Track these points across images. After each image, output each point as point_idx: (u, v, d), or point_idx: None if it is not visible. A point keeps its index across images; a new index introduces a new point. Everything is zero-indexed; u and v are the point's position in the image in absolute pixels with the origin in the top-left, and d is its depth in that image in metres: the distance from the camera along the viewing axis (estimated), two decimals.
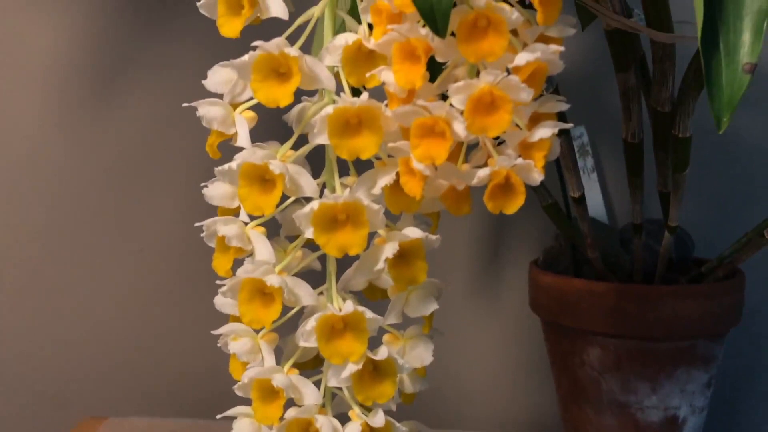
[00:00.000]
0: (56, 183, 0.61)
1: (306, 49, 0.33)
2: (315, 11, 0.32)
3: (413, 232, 0.32)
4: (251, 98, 0.33)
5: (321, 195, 0.32)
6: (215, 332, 0.33)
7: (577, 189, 0.51)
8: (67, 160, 0.60)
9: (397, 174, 0.31)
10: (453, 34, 0.29)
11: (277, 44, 0.30)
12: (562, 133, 0.49)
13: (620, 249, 0.56)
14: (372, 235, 0.32)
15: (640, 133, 0.49)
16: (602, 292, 0.50)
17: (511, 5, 0.28)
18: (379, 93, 0.32)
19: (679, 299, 0.49)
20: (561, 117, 0.47)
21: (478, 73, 0.30)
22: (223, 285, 0.32)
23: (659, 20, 0.41)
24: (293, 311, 0.33)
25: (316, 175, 0.34)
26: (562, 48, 0.29)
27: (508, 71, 0.29)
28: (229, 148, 0.34)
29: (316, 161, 0.35)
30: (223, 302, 0.33)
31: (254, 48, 0.30)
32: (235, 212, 0.34)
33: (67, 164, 0.60)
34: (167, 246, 0.61)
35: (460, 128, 0.29)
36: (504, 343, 0.65)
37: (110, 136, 0.60)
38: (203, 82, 0.33)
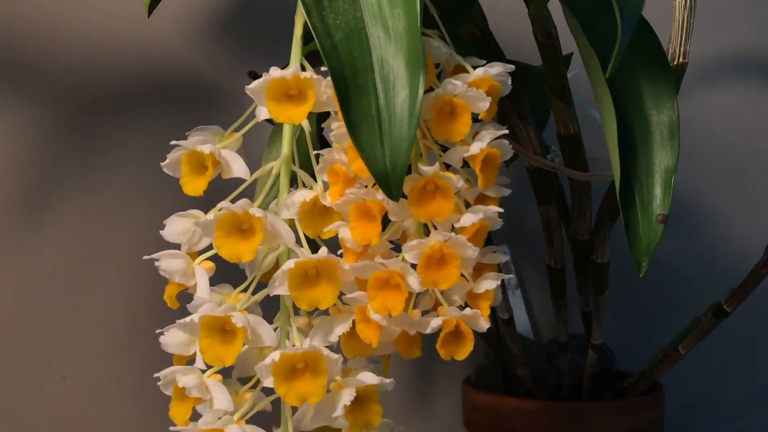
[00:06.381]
0: None
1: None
2: (273, 167, 0.35)
3: (369, 378, 0.33)
4: (209, 247, 0.34)
5: None
6: None
7: (506, 311, 0.54)
8: None
9: (353, 321, 0.33)
10: (404, 195, 0.32)
11: (241, 205, 0.32)
12: None
13: (546, 364, 0.59)
14: None
15: (562, 258, 0.52)
16: (534, 410, 0.52)
17: (456, 172, 0.32)
18: (330, 241, 0.34)
19: (606, 415, 0.52)
20: (488, 241, 0.51)
21: (425, 227, 0.33)
22: None
23: (575, 160, 0.46)
24: None
25: (265, 316, 0.35)
26: (501, 209, 0.32)
27: (453, 228, 0.32)
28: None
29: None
30: None
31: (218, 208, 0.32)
32: (190, 359, 0.35)
33: None
34: (92, 374, 0.59)
35: (414, 282, 0.31)
36: None
37: (39, 261, 0.59)
38: (161, 232, 0.35)
